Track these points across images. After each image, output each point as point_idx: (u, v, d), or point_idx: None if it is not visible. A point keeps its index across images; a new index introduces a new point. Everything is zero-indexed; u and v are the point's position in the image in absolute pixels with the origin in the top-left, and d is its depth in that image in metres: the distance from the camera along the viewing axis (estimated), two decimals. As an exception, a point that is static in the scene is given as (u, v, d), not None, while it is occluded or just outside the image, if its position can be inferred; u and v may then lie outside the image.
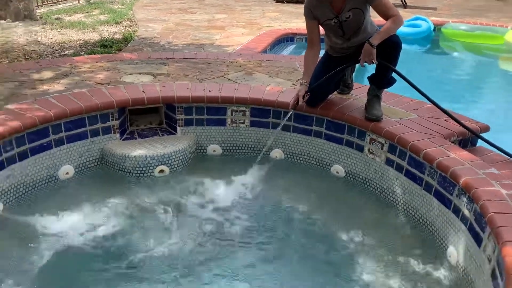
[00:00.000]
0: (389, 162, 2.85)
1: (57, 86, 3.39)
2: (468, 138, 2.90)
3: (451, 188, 2.37)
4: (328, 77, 2.96)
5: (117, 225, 2.60)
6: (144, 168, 3.08)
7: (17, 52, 5.67)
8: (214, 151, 3.43)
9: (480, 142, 2.90)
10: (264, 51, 5.62)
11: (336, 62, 3.02)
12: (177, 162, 3.16)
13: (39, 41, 6.30)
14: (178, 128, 3.35)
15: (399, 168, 2.78)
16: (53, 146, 2.94)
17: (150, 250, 2.41)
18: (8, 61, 5.24)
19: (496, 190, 2.13)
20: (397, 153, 2.77)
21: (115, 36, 6.65)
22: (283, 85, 3.60)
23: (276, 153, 3.38)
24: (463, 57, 7.36)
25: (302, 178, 3.18)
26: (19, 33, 6.74)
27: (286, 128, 3.27)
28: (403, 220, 2.72)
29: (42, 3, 9.42)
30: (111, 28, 7.32)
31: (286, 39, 6.82)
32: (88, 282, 2.20)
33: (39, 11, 8.57)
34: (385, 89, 3.08)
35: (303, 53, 3.12)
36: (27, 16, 7.71)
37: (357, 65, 3.15)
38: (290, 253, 2.47)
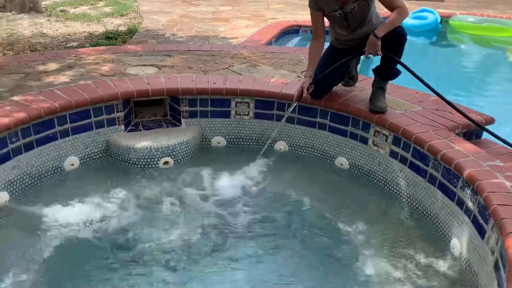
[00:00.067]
0: (393, 154, 2.84)
1: (62, 78, 3.40)
2: (473, 131, 2.89)
3: (455, 180, 2.36)
4: (332, 69, 2.95)
5: (121, 216, 2.62)
6: (148, 160, 3.09)
7: (22, 44, 5.70)
8: (219, 143, 3.44)
9: (485, 135, 2.88)
10: (269, 43, 5.60)
11: (341, 54, 3.01)
12: (181, 154, 3.17)
13: (44, 33, 6.32)
14: (183, 120, 3.36)
15: (403, 160, 2.77)
16: (59, 137, 2.96)
17: (155, 241, 2.43)
18: (14, 53, 5.26)
19: (500, 182, 2.12)
20: (401, 145, 2.77)
21: (120, 28, 6.65)
22: (288, 77, 3.59)
23: (280, 145, 3.39)
24: (470, 50, 7.30)
25: (306, 170, 3.18)
26: (24, 25, 6.76)
27: (290, 120, 3.27)
28: (407, 212, 2.72)
29: (47, -5, 9.42)
30: (116, 20, 7.33)
31: (291, 31, 6.79)
32: (93, 271, 2.22)
33: (44, 3, 8.58)
34: (390, 81, 3.06)
35: (308, 45, 3.10)
36: (32, 8, 7.73)
37: (362, 57, 3.13)
38: (294, 244, 2.48)
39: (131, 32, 6.30)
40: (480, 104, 4.51)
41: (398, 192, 2.84)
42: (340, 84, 3.35)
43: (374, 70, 3.01)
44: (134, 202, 2.76)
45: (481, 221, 2.11)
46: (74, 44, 5.74)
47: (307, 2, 3.00)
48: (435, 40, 7.85)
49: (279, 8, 8.57)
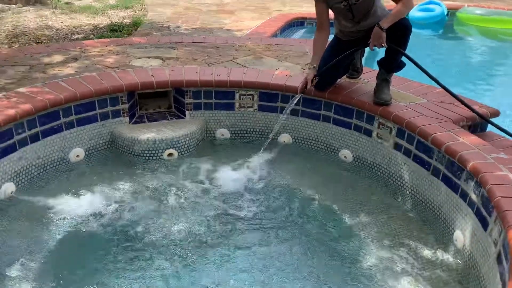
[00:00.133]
0: (397, 146, 2.84)
1: (67, 70, 3.42)
2: (478, 123, 2.87)
3: (459, 172, 2.36)
4: (337, 61, 2.94)
5: (126, 207, 2.64)
6: (153, 152, 3.11)
7: (27, 36, 5.72)
8: (223, 135, 3.45)
9: (490, 127, 2.87)
10: (274, 35, 5.58)
11: (346, 46, 3.00)
12: (185, 145, 3.18)
13: (49, 26, 6.33)
14: (187, 112, 3.37)
15: (407, 153, 2.77)
16: (64, 129, 2.98)
17: (159, 231, 2.46)
18: (19, 45, 5.29)
19: (504, 175, 2.12)
20: (405, 138, 2.76)
21: (125, 20, 6.66)
22: (292, 69, 3.59)
23: (284, 138, 3.39)
24: (478, 42, 7.23)
25: (310, 163, 3.18)
26: (29, 18, 6.78)
27: (294, 112, 3.27)
28: (410, 204, 2.73)
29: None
30: (121, 12, 7.33)
31: (296, 23, 6.76)
32: (98, 260, 2.25)
33: (50, -5, 8.59)
34: (395, 73, 3.05)
35: (313, 37, 3.09)
36: (38, 0, 7.75)
37: (366, 49, 3.12)
38: (297, 235, 2.49)
39: (135, 24, 6.30)
40: (486, 97, 4.49)
41: (401, 185, 2.84)
42: (344, 76, 3.34)
43: (379, 62, 2.99)
44: (139, 193, 2.79)
45: (484, 213, 2.11)
46: (79, 36, 5.76)
47: (311, -6, 2.98)
48: (441, 32, 7.79)
49: (284, 0, 8.52)
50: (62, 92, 2.95)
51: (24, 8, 7.46)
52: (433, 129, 2.58)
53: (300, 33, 6.60)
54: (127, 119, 3.24)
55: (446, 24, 7.81)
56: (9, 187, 2.69)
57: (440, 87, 2.78)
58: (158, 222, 2.53)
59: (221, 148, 3.36)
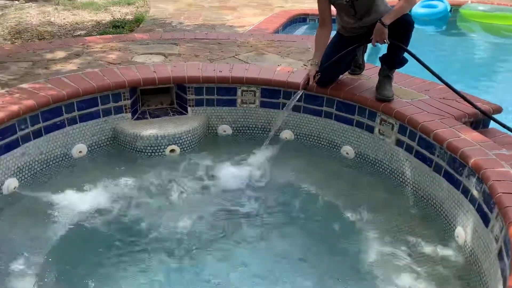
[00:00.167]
0: (399, 143, 2.84)
1: (70, 66, 3.42)
2: (480, 120, 2.87)
3: (460, 169, 2.36)
4: (339, 57, 2.94)
5: (128, 203, 2.66)
6: (155, 148, 3.12)
7: (30, 33, 5.73)
8: (225, 131, 3.46)
9: (492, 124, 2.87)
10: (276, 31, 5.58)
11: (348, 42, 2.99)
12: (187, 142, 3.19)
13: (52, 22, 6.34)
14: (189, 109, 3.38)
15: (409, 149, 2.77)
16: (66, 125, 2.99)
17: (161, 227, 2.47)
18: (22, 41, 5.30)
19: (505, 171, 2.12)
20: (407, 134, 2.76)
21: (127, 16, 6.66)
22: (294, 65, 3.58)
23: (286, 134, 3.39)
24: (481, 39, 7.20)
25: (312, 159, 3.19)
26: (32, 14, 6.79)
27: (296, 108, 3.27)
28: (412, 200, 2.73)
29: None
30: (123, 9, 7.33)
31: (298, 19, 6.75)
32: (101, 255, 2.27)
33: (52, -9, 8.59)
34: (397, 70, 3.05)
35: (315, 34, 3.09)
36: (40, -4, 7.75)
37: (369, 45, 3.11)
38: (298, 231, 2.50)
39: (138, 20, 6.31)
40: (488, 93, 4.48)
41: (403, 181, 2.84)
42: (346, 73, 3.33)
43: (381, 58, 2.99)
44: (141, 188, 2.80)
45: (485, 209, 2.12)
46: (82, 32, 5.77)
47: (314, -10, 2.98)
48: (445, 29, 7.76)
49: (286, -4, 8.50)
50: (64, 88, 2.96)
51: (26, 4, 7.47)
52: (435, 125, 2.58)
53: (302, 29, 6.59)
54: (129, 115, 3.25)
55: (449, 21, 7.78)
56: (12, 183, 2.70)
57: (442, 84, 2.78)
58: (161, 218, 2.54)
59: (223, 145, 3.36)
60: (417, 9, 7.32)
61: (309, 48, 4.07)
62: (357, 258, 2.30)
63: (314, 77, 3.01)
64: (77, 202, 2.63)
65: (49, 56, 3.67)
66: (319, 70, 3.00)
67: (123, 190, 2.77)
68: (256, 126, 3.44)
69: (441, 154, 2.51)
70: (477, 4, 7.73)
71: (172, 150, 3.15)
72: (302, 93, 3.11)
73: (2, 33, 5.72)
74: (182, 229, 2.46)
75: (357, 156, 3.15)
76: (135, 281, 2.12)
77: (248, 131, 3.46)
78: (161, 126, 3.19)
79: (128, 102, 3.22)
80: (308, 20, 6.81)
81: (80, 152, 3.09)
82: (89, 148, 3.14)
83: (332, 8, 2.96)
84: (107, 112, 3.16)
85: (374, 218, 2.57)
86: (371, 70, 3.41)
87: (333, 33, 3.13)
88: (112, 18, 6.51)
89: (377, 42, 2.75)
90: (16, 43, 5.16)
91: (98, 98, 3.09)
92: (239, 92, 3.35)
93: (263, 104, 3.37)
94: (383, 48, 2.94)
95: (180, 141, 3.16)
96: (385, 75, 2.96)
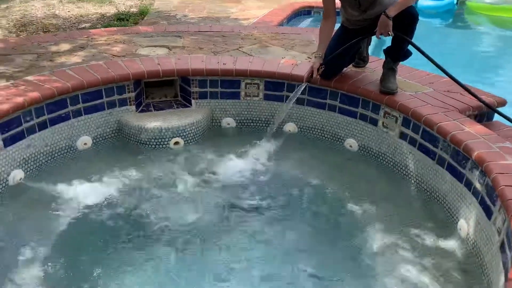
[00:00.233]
0: (402, 136, 2.84)
1: (75, 58, 3.44)
2: (484, 112, 2.86)
3: (464, 162, 2.36)
4: (343, 50, 2.93)
5: (133, 194, 2.68)
6: (159, 140, 3.13)
7: (35, 25, 5.75)
8: (228, 124, 3.46)
9: (496, 117, 2.86)
10: (280, 24, 5.56)
11: (352, 35, 2.98)
12: (191, 134, 3.20)
13: (56, 15, 6.36)
14: (193, 101, 3.38)
15: (412, 142, 2.77)
16: (71, 117, 3.01)
17: (165, 218, 2.49)
18: (27, 34, 5.32)
19: (509, 164, 2.11)
20: (411, 127, 2.76)
21: (132, 9, 6.66)
22: (298, 58, 3.58)
23: (290, 127, 3.39)
24: (487, 32, 7.14)
25: (315, 152, 3.19)
26: (37, 7, 6.80)
27: (300, 101, 3.27)
28: (415, 193, 2.73)
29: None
30: (128, 1, 7.33)
31: (303, 12, 6.72)
32: (105, 246, 2.29)
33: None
34: (401, 62, 3.03)
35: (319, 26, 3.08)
36: (45, -11, 7.75)
37: (373, 38, 3.10)
38: (302, 223, 2.52)
39: (142, 13, 6.31)
40: (493, 86, 4.45)
41: (406, 174, 2.84)
42: (350, 65, 3.33)
43: (385, 51, 2.98)
44: (145, 181, 2.82)
45: (488, 202, 2.12)
46: (86, 25, 5.78)
47: (318, -18, 2.97)
48: (451, 21, 7.70)
49: (291, -11, 8.45)
50: (69, 80, 2.98)
51: (31, -3, 7.48)
52: (438, 118, 2.57)
53: (307, 22, 6.56)
54: (133, 107, 3.27)
55: (456, 13, 7.72)
56: (18, 174, 2.73)
57: (446, 76, 2.77)
58: (165, 209, 2.56)
59: (226, 137, 3.37)
60: (423, 2, 7.27)
61: (313, 40, 4.06)
62: (359, 250, 2.31)
63: (318, 69, 3.01)
64: (82, 193, 2.65)
65: (54, 48, 3.69)
66: (323, 62, 3.00)
67: (128, 182, 2.79)
68: (259, 119, 3.45)
69: (444, 147, 2.51)
70: (484, -3, 7.66)
71: (176, 143, 3.17)
72: (306, 86, 3.11)
73: (7, 25, 5.74)
74: (186, 221, 2.48)
75: (360, 149, 3.15)
76: (140, 271, 2.14)
77: (251, 124, 3.47)
78: (165, 118, 3.21)
79: (133, 94, 3.23)
80: (312, 13, 6.78)
81: (85, 144, 3.11)
82: (94, 140, 3.16)
83: (337, 0, 2.94)
84: (111, 105, 3.18)
85: (377, 210, 2.58)
86: (375, 63, 3.40)
87: (337, 25, 3.12)
88: (117, 11, 6.51)
89: (381, 34, 2.74)
90: (21, 36, 5.18)
91: (103, 90, 3.10)
92: (242, 84, 3.35)
93: (266, 97, 3.37)
94: (387, 41, 2.93)
95: (184, 134, 3.17)
96: (389, 67, 2.95)
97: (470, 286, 2.08)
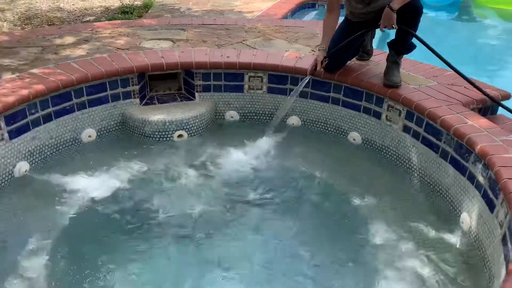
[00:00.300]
0: (406, 129, 2.84)
1: (79, 51, 3.45)
2: (489, 106, 2.84)
3: (467, 155, 2.36)
4: (347, 43, 2.92)
5: (136, 187, 2.70)
6: (163, 133, 3.15)
7: (40, 19, 5.76)
8: (232, 117, 3.47)
9: (501, 110, 2.84)
10: (285, 17, 5.54)
11: (356, 28, 2.97)
12: (195, 127, 3.22)
13: (61, 8, 6.36)
14: (196, 94, 3.39)
15: (416, 135, 2.76)
16: (76, 109, 3.03)
17: (169, 211, 2.51)
18: (32, 27, 5.34)
19: (512, 157, 2.11)
20: (414, 120, 2.76)
21: (136, 2, 6.65)
22: (302, 51, 3.57)
23: (293, 120, 3.40)
24: (493, 24, 7.07)
25: (319, 145, 3.20)
26: (41, 0, 6.81)
27: (303, 94, 3.27)
28: (418, 186, 2.74)
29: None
30: (132, -6, 7.30)
31: (307, 5, 6.69)
32: (109, 238, 2.32)
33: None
34: (405, 56, 3.02)
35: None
36: (49, -18, 7.74)
37: (377, 31, 3.08)
38: (305, 215, 2.53)
39: (146, 6, 6.30)
40: (498, 79, 4.43)
41: (410, 167, 2.84)
42: (354, 58, 3.32)
43: (389, 44, 2.97)
44: (149, 173, 2.84)
45: (491, 195, 2.12)
46: (91, 18, 5.79)
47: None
48: (456, 15, 7.64)
49: (296, -19, 8.39)
50: (73, 73, 2.99)
51: (36, -10, 7.48)
52: (442, 111, 2.57)
53: (311, 15, 6.53)
54: (137, 100, 3.28)
55: (462, 6, 7.65)
56: (23, 166, 2.76)
57: (451, 70, 2.76)
58: (169, 201, 2.58)
59: (230, 130, 3.38)
60: (428, -5, 7.21)
61: (317, 33, 4.05)
62: (362, 243, 2.32)
63: (322, 62, 3.01)
64: (87, 185, 2.67)
65: (58, 41, 3.70)
66: (327, 55, 3.00)
67: (132, 174, 2.81)
68: (263, 112, 3.45)
69: (447, 140, 2.51)
70: (490, -11, 7.59)
71: (180, 135, 3.18)
72: (310, 79, 3.10)
73: (12, 18, 5.76)
74: (190, 213, 2.50)
75: (364, 142, 3.15)
76: (144, 262, 2.16)
77: (255, 117, 3.47)
78: (169, 111, 3.22)
79: (136, 87, 3.24)
80: (317, 6, 6.74)
81: (89, 136, 3.14)
82: (98, 133, 3.18)
83: (341, -7, 2.93)
84: (115, 97, 3.19)
85: (380, 202, 2.59)
86: (379, 56, 3.39)
87: (341, 18, 3.11)
88: (121, 4, 6.51)
89: (385, 27, 2.73)
90: (26, 29, 5.20)
91: (107, 83, 3.11)
92: (246, 78, 3.35)
93: (270, 90, 3.37)
94: (392, 34, 2.91)
95: (188, 127, 3.18)
96: (393, 60, 2.94)
97: (471, 279, 2.09)
